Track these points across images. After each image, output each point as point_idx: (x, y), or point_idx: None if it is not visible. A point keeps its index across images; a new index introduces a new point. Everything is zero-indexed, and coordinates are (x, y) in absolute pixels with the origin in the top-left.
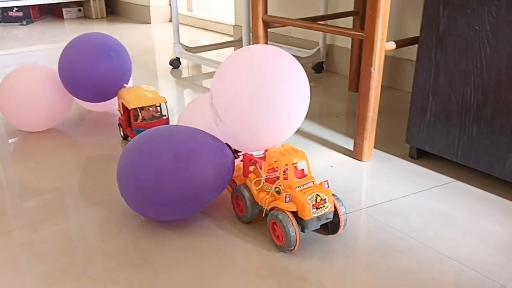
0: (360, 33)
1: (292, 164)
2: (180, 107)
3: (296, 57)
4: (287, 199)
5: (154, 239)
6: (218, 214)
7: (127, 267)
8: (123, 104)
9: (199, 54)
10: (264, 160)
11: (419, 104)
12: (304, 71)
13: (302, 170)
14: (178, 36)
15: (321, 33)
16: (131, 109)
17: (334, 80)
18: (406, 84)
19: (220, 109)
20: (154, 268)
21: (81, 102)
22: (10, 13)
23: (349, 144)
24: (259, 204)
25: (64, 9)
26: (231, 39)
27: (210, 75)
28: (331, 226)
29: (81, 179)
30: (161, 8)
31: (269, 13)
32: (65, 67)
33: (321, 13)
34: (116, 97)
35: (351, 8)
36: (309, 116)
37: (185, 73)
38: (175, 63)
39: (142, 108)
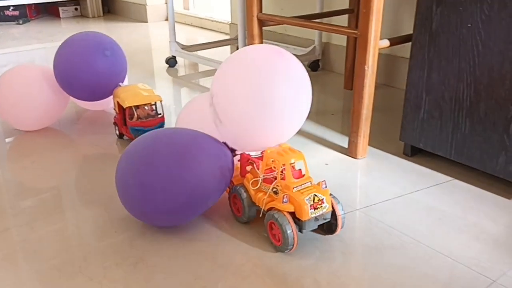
0: (354, 31)
1: (290, 164)
2: (177, 105)
3: None
4: (284, 200)
5: (149, 238)
6: (215, 214)
7: (122, 265)
8: (118, 103)
9: (195, 52)
10: (262, 160)
11: (413, 101)
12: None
13: (300, 170)
14: (174, 34)
15: (317, 31)
16: (126, 107)
17: (330, 78)
18: (401, 81)
19: (220, 110)
20: (150, 267)
21: (77, 101)
22: (6, 12)
23: (344, 142)
24: (257, 204)
25: (60, 8)
26: (228, 37)
27: (207, 73)
28: (329, 226)
29: (77, 178)
30: (158, 6)
31: (266, 11)
32: (60, 66)
33: (316, 11)
34: (111, 96)
35: (346, 6)
36: None
37: (181, 72)
38: (171, 61)
39: (137, 107)
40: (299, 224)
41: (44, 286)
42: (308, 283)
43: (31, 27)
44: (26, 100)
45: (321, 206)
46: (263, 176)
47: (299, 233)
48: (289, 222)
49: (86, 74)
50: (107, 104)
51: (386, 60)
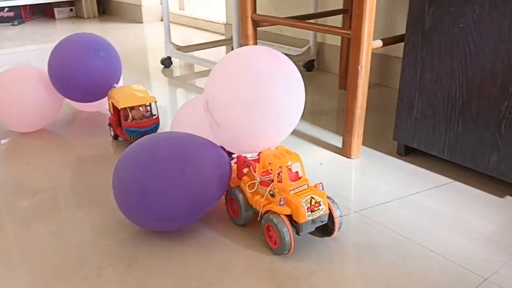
0: (347, 32)
1: (286, 166)
2: (172, 106)
3: (287, 55)
4: (281, 202)
5: (143, 239)
6: (211, 216)
7: (117, 266)
8: (113, 104)
9: (190, 53)
10: (258, 163)
11: (406, 101)
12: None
13: (297, 172)
14: (169, 35)
15: (311, 31)
16: (121, 109)
17: (325, 78)
18: (395, 81)
19: (217, 114)
20: (144, 267)
21: (72, 102)
22: (1, 14)
23: (338, 141)
24: (254, 207)
25: (55, 9)
26: (223, 37)
27: (202, 74)
28: (326, 228)
29: (72, 179)
30: (153, 7)
31: (260, 11)
32: (55, 68)
33: (311, 11)
34: (106, 97)
35: (340, 6)
36: None
37: (177, 72)
38: (167, 62)
39: (132, 108)
40: (296, 227)
41: (38, 286)
42: (306, 285)
43: (26, 28)
44: (21, 102)
45: (318, 209)
46: (260, 179)
47: (296, 235)
48: (286, 225)
49: (80, 76)
50: (102, 105)
51: (380, 60)
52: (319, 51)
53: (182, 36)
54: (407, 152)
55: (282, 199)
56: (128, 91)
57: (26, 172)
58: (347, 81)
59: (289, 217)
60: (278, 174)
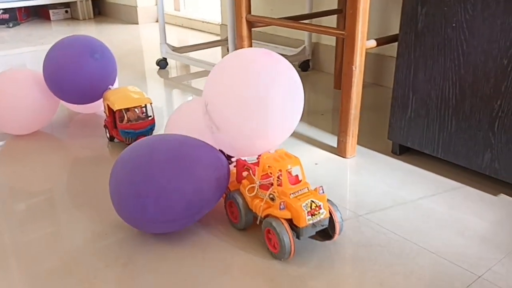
0: (341, 32)
1: (286, 170)
2: (168, 107)
3: (282, 55)
4: (281, 206)
5: (139, 239)
6: (211, 219)
7: (112, 267)
8: (108, 106)
9: (186, 54)
10: (258, 166)
11: (400, 100)
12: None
13: (297, 175)
14: (165, 36)
15: (307, 32)
16: (116, 110)
17: (320, 78)
18: (389, 80)
19: (217, 117)
20: (140, 268)
21: (67, 104)
22: None
23: (333, 141)
24: (253, 211)
25: (51, 11)
26: (219, 38)
27: (198, 74)
28: (326, 231)
29: (68, 181)
30: (148, 8)
31: (256, 12)
32: (50, 70)
33: (306, 11)
34: (102, 99)
35: (335, 6)
36: None
37: (172, 73)
38: (162, 63)
39: (127, 109)
40: (296, 231)
41: None
42: (301, 283)
43: (21, 30)
44: (16, 104)
45: (319, 213)
46: (260, 182)
47: (296, 239)
48: (286, 230)
49: (75, 78)
50: (98, 107)
51: (374, 59)
52: (314, 51)
53: (178, 37)
54: (402, 151)
55: (282, 203)
56: (123, 92)
57: (22, 174)
58: (342, 81)
59: (289, 221)
60: (278, 177)
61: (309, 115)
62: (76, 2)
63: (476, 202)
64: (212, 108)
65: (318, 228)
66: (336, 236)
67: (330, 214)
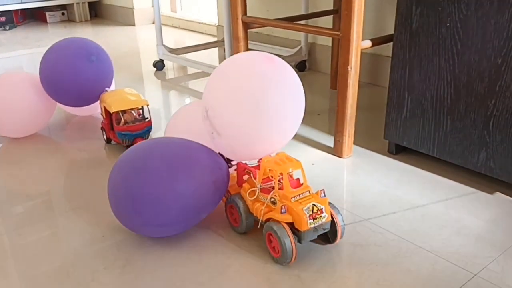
0: (336, 33)
1: (287, 173)
2: (165, 109)
3: (279, 56)
4: (282, 210)
5: (136, 242)
6: (211, 224)
7: (110, 269)
8: (105, 108)
9: (183, 55)
10: (258, 169)
11: (396, 100)
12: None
13: (298, 179)
14: (161, 37)
15: (303, 32)
16: (113, 112)
17: (317, 78)
18: (385, 80)
19: (218, 122)
20: (137, 270)
21: (64, 107)
22: None
23: (330, 141)
24: (254, 215)
25: (47, 13)
26: (215, 39)
27: (195, 76)
28: (327, 235)
29: (66, 183)
30: (145, 10)
31: (252, 12)
32: (46, 73)
33: (302, 12)
34: (98, 101)
35: (331, 7)
36: None
37: (169, 75)
38: (159, 65)
39: (124, 111)
40: (298, 234)
41: None
42: (298, 281)
43: (17, 32)
44: (13, 107)
45: (320, 216)
46: (261, 186)
47: (298, 243)
48: (287, 234)
49: (72, 80)
50: (95, 109)
51: (370, 59)
52: (311, 51)
53: (175, 38)
54: (398, 151)
55: (283, 206)
56: (120, 94)
57: (19, 177)
58: (337, 81)
59: (291, 225)
60: (279, 181)
61: (305, 115)
62: (72, 4)
63: (471, 201)
64: (212, 113)
65: (320, 232)
66: (338, 240)
67: (332, 217)
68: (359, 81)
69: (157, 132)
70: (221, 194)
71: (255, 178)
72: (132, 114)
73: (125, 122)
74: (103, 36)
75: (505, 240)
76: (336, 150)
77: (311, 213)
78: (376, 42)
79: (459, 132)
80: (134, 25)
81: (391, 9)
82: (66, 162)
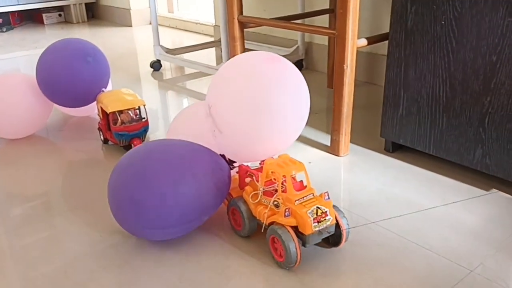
0: (332, 31)
1: (291, 176)
2: (163, 109)
3: None
4: (286, 213)
5: (134, 242)
6: (212, 227)
7: (108, 269)
8: (102, 108)
9: (180, 55)
10: (261, 172)
11: (392, 98)
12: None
13: (301, 181)
14: (158, 38)
15: (299, 31)
16: (110, 112)
17: (314, 77)
18: (382, 79)
19: (220, 120)
20: (135, 269)
21: (61, 108)
22: None
23: (327, 140)
24: (257, 218)
25: (44, 15)
26: (212, 39)
27: (192, 76)
28: (333, 238)
29: (63, 184)
30: (142, 10)
31: (249, 12)
32: (43, 74)
33: (298, 11)
34: (95, 102)
35: (327, 6)
36: None
37: (167, 75)
38: (156, 65)
39: (121, 112)
40: (302, 238)
41: None
42: (295, 279)
43: (14, 34)
44: (10, 109)
45: (325, 219)
46: (263, 189)
47: (302, 247)
48: (292, 238)
49: (68, 81)
50: (92, 110)
51: (367, 58)
52: (308, 50)
53: (172, 38)
54: (395, 149)
55: (287, 210)
56: (116, 95)
57: (17, 178)
58: (334, 80)
59: (295, 228)
60: (282, 183)
61: None
62: (69, 5)
63: (468, 198)
64: (215, 111)
65: (325, 235)
66: (343, 243)
67: (337, 220)
68: (355, 80)
69: (155, 132)
70: (222, 196)
71: (257, 181)
72: (129, 114)
73: (122, 122)
74: (100, 37)
75: (501, 237)
76: (333, 149)
77: (315, 216)
78: (371, 40)
79: (455, 130)
80: (131, 26)
81: (387, 7)
82: (63, 162)
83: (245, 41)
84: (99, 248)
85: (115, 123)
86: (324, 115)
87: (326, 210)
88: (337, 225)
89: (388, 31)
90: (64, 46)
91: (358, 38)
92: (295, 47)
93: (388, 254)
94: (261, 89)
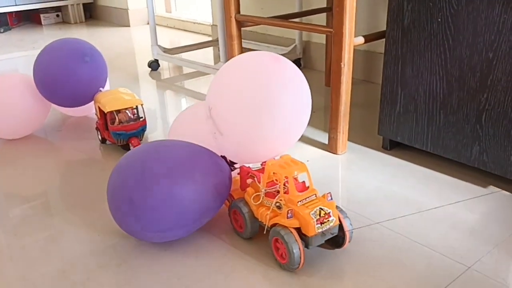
0: (329, 30)
1: (293, 176)
2: (161, 109)
3: None
4: (289, 215)
5: (132, 241)
6: (212, 228)
7: (106, 268)
8: (99, 108)
9: (178, 55)
10: (262, 173)
11: (389, 96)
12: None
13: (303, 182)
14: (156, 38)
15: (297, 30)
16: (107, 112)
17: (311, 75)
18: (379, 77)
19: (221, 122)
20: (133, 268)
21: (59, 108)
22: None
23: (325, 138)
24: (259, 220)
25: (42, 15)
26: (210, 39)
27: (190, 75)
28: (336, 239)
29: (61, 184)
30: (140, 10)
31: (246, 11)
32: (40, 74)
33: (296, 10)
34: (93, 101)
35: (324, 4)
36: None
37: (165, 75)
38: (154, 65)
39: (118, 111)
40: (305, 240)
41: None
42: (293, 276)
43: (12, 35)
44: (7, 109)
45: (328, 220)
46: (265, 190)
47: (306, 249)
48: (295, 239)
49: (66, 81)
50: (90, 110)
51: (364, 56)
52: (305, 49)
53: (170, 38)
54: (392, 146)
55: (289, 211)
56: (114, 94)
57: (15, 178)
58: (331, 78)
59: (297, 229)
60: (284, 184)
61: None
62: (67, 6)
63: (465, 195)
64: (216, 112)
65: (328, 237)
66: (346, 244)
67: (340, 221)
68: (353, 78)
69: (153, 132)
70: (223, 198)
71: (259, 182)
72: (127, 113)
73: (120, 122)
74: (98, 37)
75: (499, 233)
76: (330, 147)
77: (318, 217)
78: (368, 38)
79: (452, 127)
80: (129, 26)
81: (384, 5)
82: (61, 162)
83: (243, 40)
84: (98, 248)
85: (113, 123)
86: (322, 113)
87: (329, 211)
88: (340, 227)
89: (385, 29)
90: (61, 46)
91: (355, 36)
92: (292, 46)
93: (384, 251)
94: (262, 90)
